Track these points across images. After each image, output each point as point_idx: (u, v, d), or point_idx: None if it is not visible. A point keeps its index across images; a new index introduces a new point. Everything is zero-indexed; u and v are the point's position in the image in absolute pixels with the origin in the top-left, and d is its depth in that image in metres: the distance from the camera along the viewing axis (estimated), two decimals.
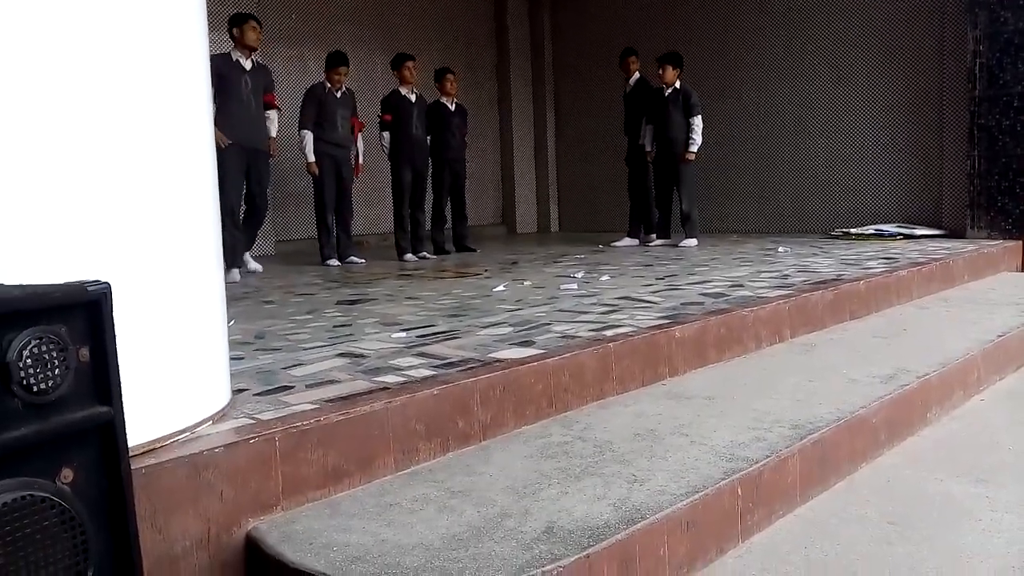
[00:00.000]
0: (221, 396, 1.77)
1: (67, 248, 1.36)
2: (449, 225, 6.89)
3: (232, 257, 4.97)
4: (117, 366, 1.05)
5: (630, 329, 2.61)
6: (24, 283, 1.06)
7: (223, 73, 5.00)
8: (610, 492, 1.62)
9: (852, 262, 4.53)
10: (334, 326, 3.04)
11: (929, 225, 6.48)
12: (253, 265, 5.66)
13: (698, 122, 6.41)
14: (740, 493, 1.71)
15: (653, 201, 6.93)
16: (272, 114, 5.57)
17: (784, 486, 1.85)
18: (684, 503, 1.57)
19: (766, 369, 2.66)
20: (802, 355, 2.86)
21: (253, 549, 1.49)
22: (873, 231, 6.45)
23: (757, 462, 1.78)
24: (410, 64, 6.20)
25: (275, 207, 7.81)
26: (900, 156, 6.80)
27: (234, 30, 5.22)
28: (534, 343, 2.46)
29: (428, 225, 6.71)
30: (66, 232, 1.36)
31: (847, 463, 2.09)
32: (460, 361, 2.23)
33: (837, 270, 4.13)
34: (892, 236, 6.26)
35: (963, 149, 6.07)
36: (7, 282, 1.05)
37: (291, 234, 7.80)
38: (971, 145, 5.93)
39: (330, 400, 1.85)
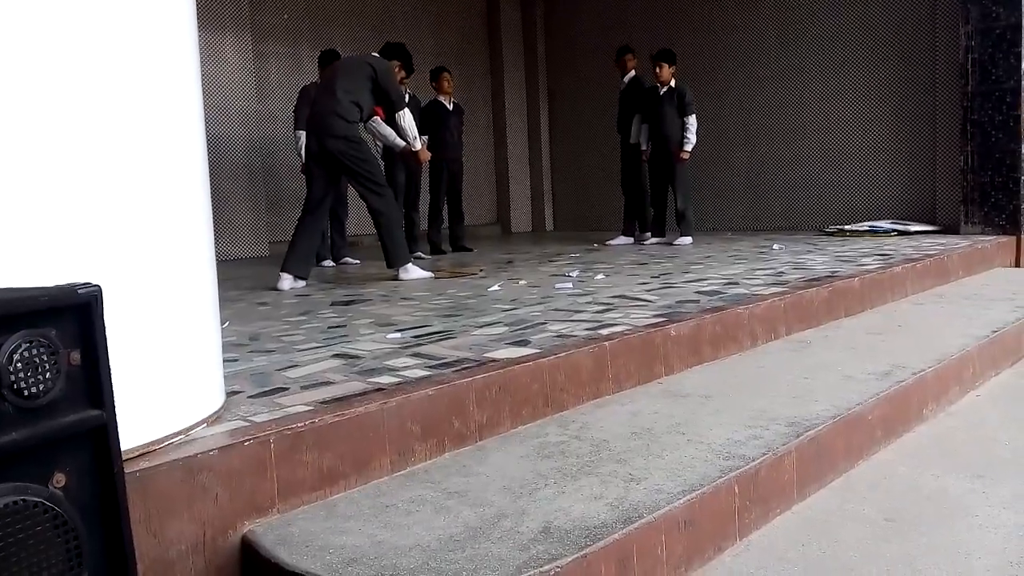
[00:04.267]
0: (215, 398, 1.76)
1: (57, 250, 1.35)
2: (446, 225, 6.88)
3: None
4: (109, 369, 1.04)
5: (625, 328, 2.61)
6: (13, 286, 1.05)
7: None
8: (607, 491, 1.61)
9: (847, 259, 4.54)
10: (329, 327, 3.03)
11: (923, 221, 6.50)
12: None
13: (692, 121, 6.42)
14: (737, 491, 1.71)
15: (648, 199, 6.93)
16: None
17: (781, 484, 1.85)
18: (681, 502, 1.57)
19: (762, 367, 2.66)
20: (798, 352, 2.86)
21: (249, 552, 1.48)
22: (867, 228, 6.46)
23: (754, 460, 1.78)
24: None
25: (269, 208, 7.80)
26: (893, 152, 6.82)
27: None
28: (530, 342, 2.45)
29: (423, 225, 6.70)
30: (56, 234, 1.35)
31: (844, 460, 2.09)
32: (455, 361, 2.23)
33: (832, 267, 4.13)
34: (886, 232, 6.27)
35: (956, 144, 6.09)
36: None
37: (285, 235, 7.78)
38: (964, 140, 5.94)
39: (325, 401, 1.84)
